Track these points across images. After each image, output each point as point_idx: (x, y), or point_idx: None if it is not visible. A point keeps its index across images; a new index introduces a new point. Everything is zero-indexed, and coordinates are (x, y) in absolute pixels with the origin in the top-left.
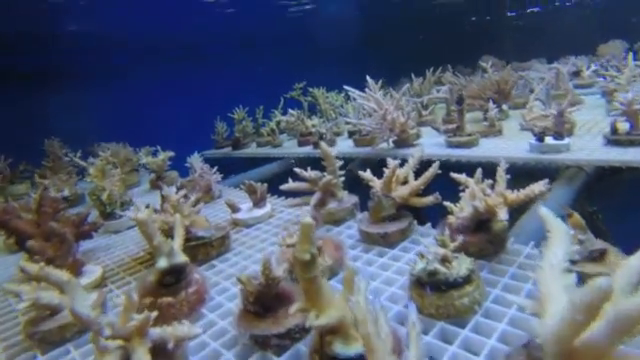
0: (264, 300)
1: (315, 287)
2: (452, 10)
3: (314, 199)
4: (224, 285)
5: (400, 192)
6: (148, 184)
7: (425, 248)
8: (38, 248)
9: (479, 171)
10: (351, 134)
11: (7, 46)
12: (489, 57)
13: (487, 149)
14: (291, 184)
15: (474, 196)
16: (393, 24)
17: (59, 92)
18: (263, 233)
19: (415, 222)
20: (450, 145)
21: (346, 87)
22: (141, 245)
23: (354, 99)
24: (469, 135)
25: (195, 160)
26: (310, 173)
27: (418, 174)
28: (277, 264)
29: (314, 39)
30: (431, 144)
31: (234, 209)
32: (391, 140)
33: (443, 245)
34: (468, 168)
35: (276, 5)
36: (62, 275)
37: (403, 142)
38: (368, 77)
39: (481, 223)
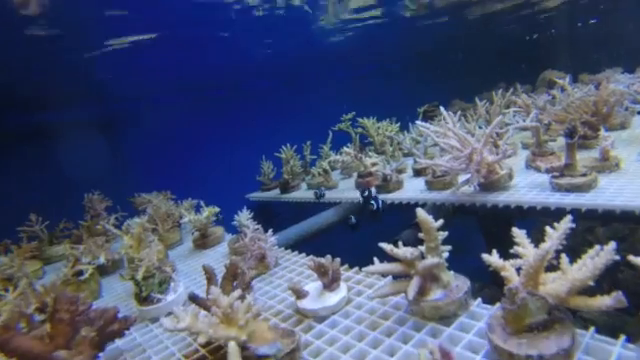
0: None
1: None
2: (502, 26)
3: (412, 288)
4: None
5: (554, 289)
6: (192, 243)
7: None
8: None
9: None
10: (417, 172)
11: (34, 101)
12: (552, 72)
13: (614, 193)
14: (378, 266)
15: None
16: (441, 43)
17: (96, 140)
18: (342, 333)
19: (576, 331)
20: (559, 188)
21: (419, 123)
22: (186, 341)
23: (422, 136)
24: (584, 175)
25: (244, 219)
26: (404, 251)
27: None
28: None
29: (356, 65)
30: (530, 186)
31: (300, 295)
32: (476, 182)
33: None
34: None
35: (317, 34)
36: None
37: (492, 185)
38: (442, 108)
39: None
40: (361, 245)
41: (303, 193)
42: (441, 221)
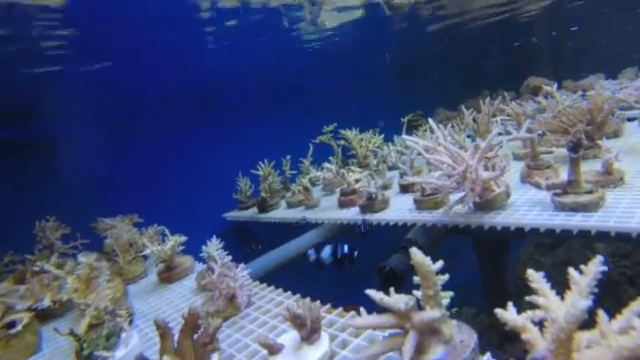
0: None
1: None
2: (483, 34)
3: (408, 348)
4: None
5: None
6: (156, 276)
7: None
8: None
9: None
10: (405, 188)
11: None
12: (535, 78)
13: (625, 212)
14: (366, 320)
15: None
16: (423, 52)
17: (54, 159)
18: None
19: None
20: (562, 208)
21: (406, 137)
22: None
23: (407, 148)
24: (590, 192)
25: (213, 250)
26: (397, 301)
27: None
28: None
29: (338, 75)
30: (529, 205)
31: (272, 350)
32: (471, 202)
33: None
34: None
35: (294, 43)
36: None
37: (488, 204)
38: (431, 120)
39: None
40: (346, 272)
41: (283, 212)
42: (440, 263)
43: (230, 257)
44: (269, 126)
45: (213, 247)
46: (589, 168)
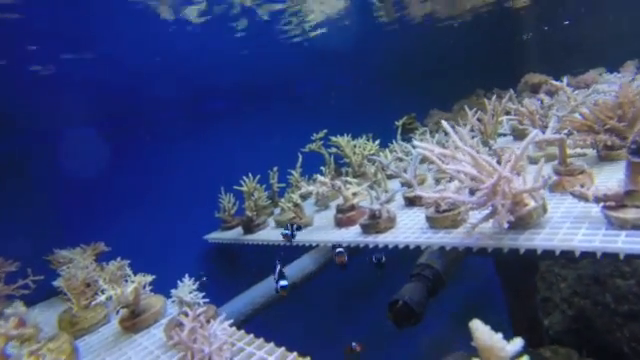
0: None
1: None
2: (475, 31)
3: None
4: None
5: None
6: (118, 324)
7: None
8: None
9: None
10: (411, 201)
11: None
12: (533, 75)
13: None
14: None
15: None
16: (414, 52)
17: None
18: None
19: None
20: (621, 225)
21: (417, 144)
22: None
23: (409, 154)
24: None
25: (185, 293)
26: None
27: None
28: None
29: (326, 78)
30: (572, 221)
31: None
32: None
33: None
34: None
35: (280, 45)
36: None
37: (521, 222)
38: (444, 122)
39: None
40: (347, 305)
41: (270, 233)
42: (519, 345)
43: (207, 301)
44: (253, 135)
45: (185, 289)
46: (617, 171)
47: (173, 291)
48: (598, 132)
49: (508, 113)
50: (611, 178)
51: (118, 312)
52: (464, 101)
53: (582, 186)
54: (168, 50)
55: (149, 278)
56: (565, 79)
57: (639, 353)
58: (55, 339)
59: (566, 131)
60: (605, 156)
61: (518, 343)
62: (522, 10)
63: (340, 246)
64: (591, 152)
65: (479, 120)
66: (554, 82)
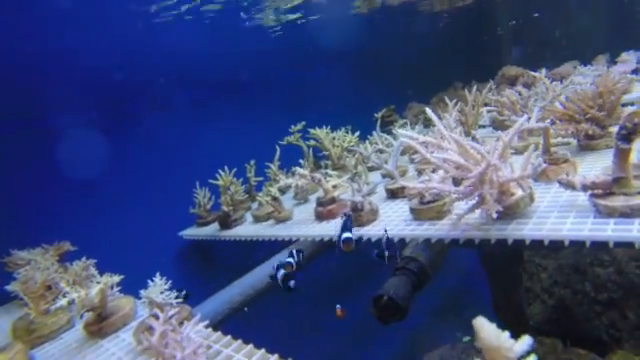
0: None
1: None
2: (451, 24)
3: None
4: None
5: None
6: (82, 329)
7: None
8: None
9: None
10: (393, 193)
11: None
12: (510, 67)
13: None
14: None
15: None
16: (392, 44)
17: None
18: None
19: None
20: (609, 213)
21: (401, 132)
22: None
23: (389, 146)
24: None
25: (155, 293)
26: None
27: None
28: None
29: (303, 67)
30: (560, 210)
31: None
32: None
33: None
34: None
35: (254, 34)
36: None
37: (508, 211)
38: (428, 110)
39: None
40: (329, 300)
41: (249, 229)
42: (528, 344)
43: (180, 301)
44: (229, 127)
45: (156, 289)
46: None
47: (143, 292)
48: (579, 121)
49: (487, 104)
50: (593, 167)
51: (82, 316)
52: (442, 94)
53: (567, 175)
54: (135, 40)
55: (116, 278)
56: (544, 70)
57: (617, 339)
58: (6, 350)
59: (549, 120)
60: (586, 145)
61: (527, 342)
62: (499, 2)
63: (349, 231)
64: (572, 141)
65: (459, 111)
66: (533, 73)
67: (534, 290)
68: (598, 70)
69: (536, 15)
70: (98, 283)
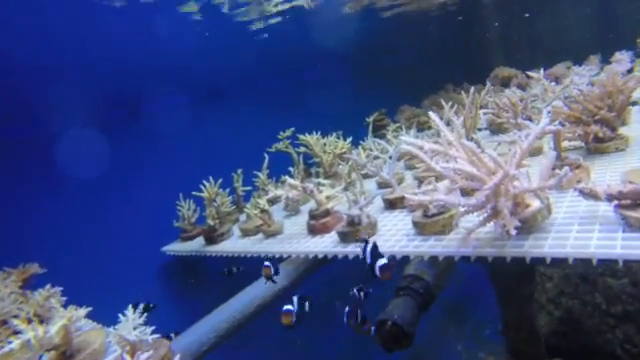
0: None
1: None
2: (441, 26)
3: None
4: None
5: None
6: None
7: None
8: None
9: None
10: (391, 204)
11: None
12: (503, 69)
13: None
14: None
15: None
16: (381, 46)
17: None
18: None
19: None
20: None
21: (405, 139)
22: None
23: (384, 152)
24: None
25: (128, 329)
26: None
27: None
28: None
29: (291, 73)
30: (579, 223)
31: None
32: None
33: None
34: None
35: (238, 35)
36: None
37: (524, 225)
38: (432, 114)
39: None
40: (323, 321)
41: (236, 243)
42: None
43: (158, 336)
44: (214, 136)
45: (129, 324)
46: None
47: (112, 330)
48: (588, 123)
49: (481, 107)
50: (606, 172)
51: (41, 358)
52: (434, 96)
53: (579, 182)
54: (105, 42)
55: (82, 312)
56: (542, 70)
57: (634, 355)
58: None
59: (557, 122)
60: (594, 149)
61: None
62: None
63: (381, 256)
64: (580, 145)
65: (455, 113)
66: (530, 73)
67: (539, 301)
68: (593, 70)
69: (527, 15)
70: (61, 317)
